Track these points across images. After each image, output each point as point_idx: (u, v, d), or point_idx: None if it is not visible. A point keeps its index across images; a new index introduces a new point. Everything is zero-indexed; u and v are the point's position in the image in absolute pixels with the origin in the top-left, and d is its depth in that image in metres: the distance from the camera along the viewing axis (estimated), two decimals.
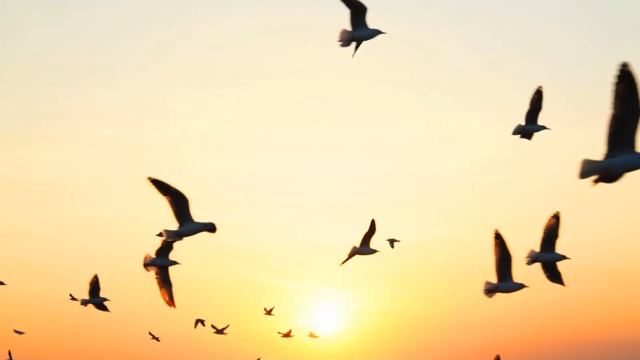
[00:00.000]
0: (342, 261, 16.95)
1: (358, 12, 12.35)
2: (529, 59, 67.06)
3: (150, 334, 29.90)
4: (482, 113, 68.43)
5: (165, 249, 14.88)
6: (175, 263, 15.05)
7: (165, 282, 15.12)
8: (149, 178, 13.07)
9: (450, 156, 61.94)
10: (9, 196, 59.35)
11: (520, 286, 13.63)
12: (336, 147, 65.82)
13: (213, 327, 28.54)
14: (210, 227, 13.25)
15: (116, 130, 66.00)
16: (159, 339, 29.81)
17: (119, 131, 65.71)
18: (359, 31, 12.52)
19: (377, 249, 16.87)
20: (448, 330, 49.07)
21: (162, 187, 13.08)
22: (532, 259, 13.67)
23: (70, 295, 26.38)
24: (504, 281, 13.44)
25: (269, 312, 30.24)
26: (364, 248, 16.75)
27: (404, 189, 59.81)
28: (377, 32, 12.61)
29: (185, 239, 13.46)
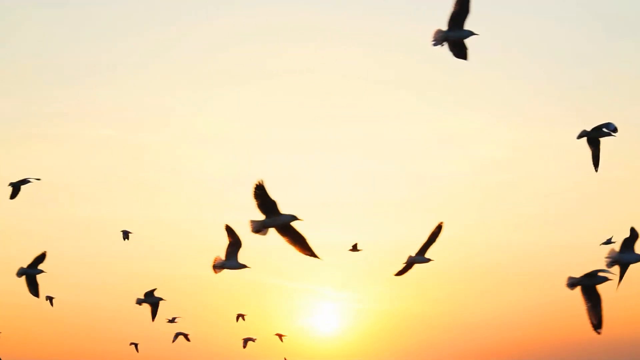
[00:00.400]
0: (397, 271, 16.38)
1: (462, 12, 12.26)
2: (529, 59, 67.18)
3: (132, 343, 28.96)
4: (482, 113, 68.54)
5: (234, 246, 14.42)
6: (244, 266, 14.59)
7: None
8: (258, 183, 12.38)
9: (450, 156, 61.92)
10: (9, 196, 58.74)
11: (605, 279, 13.17)
12: (336, 147, 65.61)
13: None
14: (294, 219, 12.86)
15: (116, 130, 65.58)
16: (138, 346, 28.88)
17: (119, 131, 65.31)
18: (454, 32, 12.51)
19: (432, 258, 16.19)
20: (448, 330, 49.17)
21: (264, 196, 12.52)
22: (613, 259, 13.38)
23: (47, 296, 26.07)
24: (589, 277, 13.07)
25: (241, 316, 29.93)
26: (420, 257, 16.09)
27: (404, 189, 59.72)
28: (470, 33, 12.60)
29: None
